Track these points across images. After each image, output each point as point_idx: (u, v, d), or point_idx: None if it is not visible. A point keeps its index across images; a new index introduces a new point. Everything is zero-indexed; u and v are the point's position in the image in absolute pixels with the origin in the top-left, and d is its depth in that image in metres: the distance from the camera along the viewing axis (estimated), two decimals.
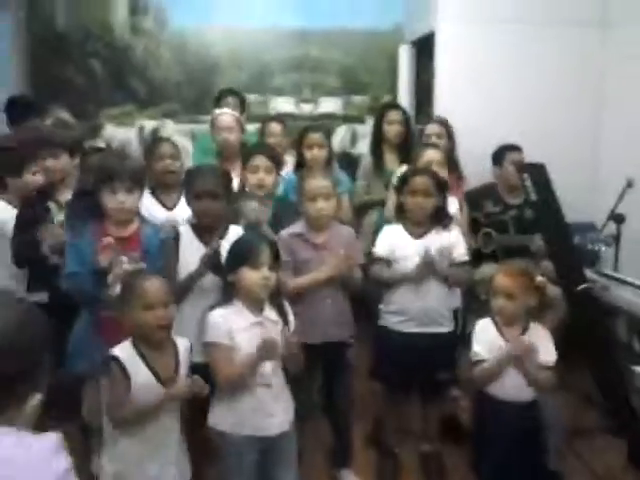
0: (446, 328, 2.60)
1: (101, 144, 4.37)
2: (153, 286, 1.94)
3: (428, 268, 2.46)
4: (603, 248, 3.34)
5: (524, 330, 2.25)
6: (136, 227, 2.36)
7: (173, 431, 2.01)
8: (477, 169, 3.71)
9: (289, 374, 2.15)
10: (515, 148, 3.64)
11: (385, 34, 4.81)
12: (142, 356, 1.93)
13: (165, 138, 3.18)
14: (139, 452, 1.93)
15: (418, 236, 2.56)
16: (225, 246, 2.20)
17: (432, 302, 2.54)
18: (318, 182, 2.48)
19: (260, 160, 2.67)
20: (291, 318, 2.17)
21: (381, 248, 2.58)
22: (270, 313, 2.10)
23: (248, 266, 2.02)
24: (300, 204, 2.51)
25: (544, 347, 2.22)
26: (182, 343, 2.05)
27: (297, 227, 2.51)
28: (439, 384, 2.63)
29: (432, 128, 3.50)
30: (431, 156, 2.94)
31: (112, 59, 4.66)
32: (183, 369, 2.01)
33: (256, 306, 2.07)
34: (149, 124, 4.74)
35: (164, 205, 2.82)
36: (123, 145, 4.25)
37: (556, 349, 2.81)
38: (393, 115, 3.54)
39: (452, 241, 2.56)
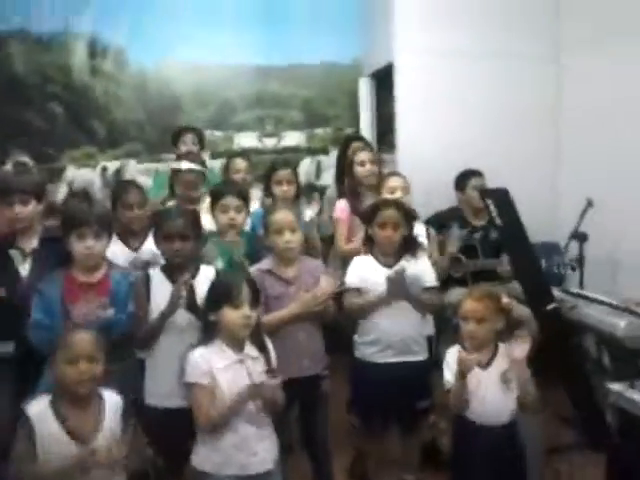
0: (421, 356, 2.62)
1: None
2: (80, 339, 1.88)
3: (399, 285, 2.47)
4: (569, 272, 3.42)
5: (494, 352, 2.28)
6: (104, 272, 2.33)
7: None
8: (439, 196, 3.79)
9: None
10: (476, 173, 3.74)
11: (344, 67, 4.89)
12: (57, 413, 1.85)
13: (132, 183, 3.13)
14: None
15: (388, 265, 2.58)
16: (198, 285, 2.21)
17: (407, 330, 2.56)
18: (283, 215, 2.49)
19: (230, 200, 2.68)
20: (272, 354, 2.17)
21: (352, 278, 2.60)
22: (251, 350, 2.11)
23: (229, 305, 2.04)
24: (266, 238, 2.52)
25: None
26: (111, 400, 1.97)
27: (266, 263, 2.52)
28: (417, 413, 2.63)
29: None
30: (394, 182, 2.99)
31: (72, 101, 4.61)
32: (108, 427, 1.91)
33: (237, 344, 2.08)
34: (112, 165, 4.69)
35: (129, 246, 2.80)
36: (85, 188, 4.19)
37: (529, 368, 2.85)
38: (357, 145, 3.60)
39: (421, 268, 2.59)
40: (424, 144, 4.00)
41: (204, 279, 2.26)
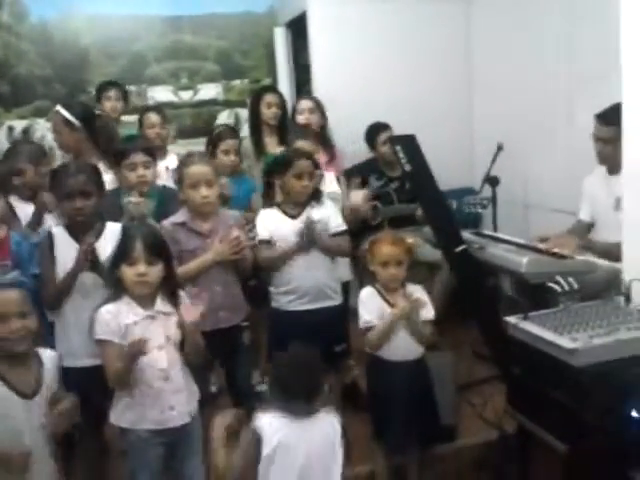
0: (336, 301, 2.66)
1: None
2: (7, 298, 1.86)
3: (311, 235, 2.49)
4: (480, 210, 3.55)
5: (404, 292, 2.37)
6: (4, 234, 2.27)
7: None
8: (355, 146, 3.83)
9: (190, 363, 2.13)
10: (384, 127, 3.81)
11: (259, 17, 4.79)
12: None
13: (22, 143, 3.00)
14: None
15: (294, 216, 2.58)
16: (102, 244, 2.17)
17: (321, 277, 2.58)
18: (199, 168, 2.45)
19: (137, 157, 2.61)
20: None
21: (262, 231, 2.58)
22: (163, 305, 2.08)
23: (124, 263, 2.01)
24: (181, 192, 2.47)
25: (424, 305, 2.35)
26: (48, 356, 1.99)
27: (180, 216, 2.48)
28: (335, 356, 2.67)
29: (305, 103, 3.56)
30: (300, 146, 2.95)
31: None
32: (48, 382, 1.95)
33: (145, 300, 2.05)
34: (19, 124, 4.47)
35: None
36: None
37: (444, 309, 2.97)
38: (270, 98, 3.55)
39: (327, 214, 2.61)
40: (338, 93, 3.97)
41: (111, 236, 2.21)
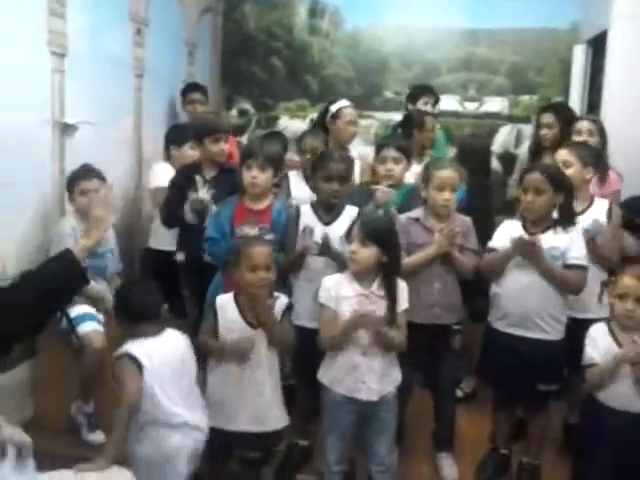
0: (550, 336, 2.44)
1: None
2: (260, 252, 2.21)
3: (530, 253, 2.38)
4: None
5: None
6: (269, 202, 2.67)
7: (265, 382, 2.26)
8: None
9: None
10: None
11: (559, 33, 4.65)
12: (238, 304, 2.26)
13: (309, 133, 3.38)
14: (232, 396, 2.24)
15: (532, 234, 2.45)
16: (339, 223, 2.49)
17: (533, 305, 2.42)
18: (448, 173, 2.56)
19: (388, 152, 2.83)
20: (404, 297, 2.27)
21: (496, 241, 2.54)
22: (379, 289, 2.23)
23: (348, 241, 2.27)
24: (423, 191, 2.61)
25: None
26: (280, 300, 2.31)
27: (416, 212, 2.63)
28: (541, 394, 2.49)
29: (584, 125, 3.32)
30: (562, 156, 2.79)
31: (291, 57, 5.13)
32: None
33: (365, 279, 2.23)
34: None
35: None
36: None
37: None
38: (545, 118, 3.45)
39: (568, 243, 2.42)
40: (633, 116, 3.66)
41: (346, 218, 2.49)
